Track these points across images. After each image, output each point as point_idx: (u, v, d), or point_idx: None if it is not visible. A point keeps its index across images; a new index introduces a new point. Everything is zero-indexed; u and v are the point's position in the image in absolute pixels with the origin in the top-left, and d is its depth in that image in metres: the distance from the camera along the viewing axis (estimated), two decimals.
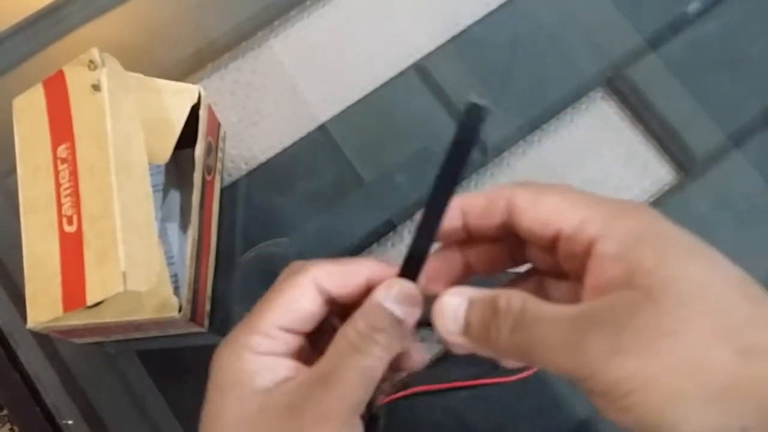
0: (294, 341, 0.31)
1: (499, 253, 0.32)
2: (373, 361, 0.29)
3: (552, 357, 0.26)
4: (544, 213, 0.28)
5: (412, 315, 0.29)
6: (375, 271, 0.31)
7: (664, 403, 0.24)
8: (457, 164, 0.29)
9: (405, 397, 0.45)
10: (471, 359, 0.32)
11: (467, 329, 0.28)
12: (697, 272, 0.25)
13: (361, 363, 0.28)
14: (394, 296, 0.29)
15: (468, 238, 0.32)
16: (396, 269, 0.31)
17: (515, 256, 0.33)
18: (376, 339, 0.29)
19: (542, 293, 0.32)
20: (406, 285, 0.30)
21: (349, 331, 0.29)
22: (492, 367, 0.45)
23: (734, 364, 0.24)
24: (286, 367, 0.30)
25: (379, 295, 0.29)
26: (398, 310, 0.29)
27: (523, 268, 0.34)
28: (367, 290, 0.30)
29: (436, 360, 0.47)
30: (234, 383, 0.29)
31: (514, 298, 0.27)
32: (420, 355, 0.32)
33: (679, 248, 0.26)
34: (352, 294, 0.31)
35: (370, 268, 0.31)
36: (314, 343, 0.32)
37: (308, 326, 0.31)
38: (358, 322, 0.29)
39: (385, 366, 0.29)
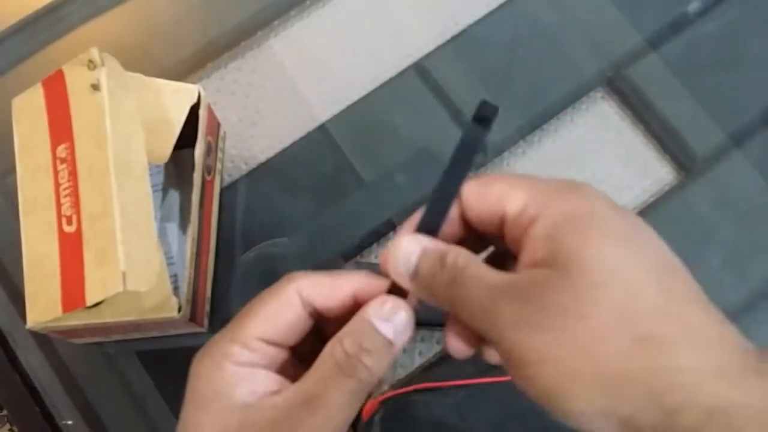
0: (276, 354, 0.30)
1: (467, 245, 0.32)
2: (360, 384, 0.28)
3: (472, 316, 0.27)
4: (489, 200, 0.29)
5: (403, 337, 0.29)
6: (363, 285, 0.30)
7: (559, 380, 0.25)
8: (462, 168, 0.29)
9: (404, 395, 0.45)
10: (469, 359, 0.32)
11: (415, 275, 0.29)
12: (615, 257, 0.25)
13: (347, 386, 0.28)
14: (386, 315, 0.29)
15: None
16: (386, 283, 0.30)
17: (484, 244, 0.32)
18: (364, 361, 0.28)
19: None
20: (399, 304, 0.29)
21: (336, 350, 0.28)
22: (491, 366, 0.45)
23: (630, 352, 0.24)
24: (268, 379, 0.29)
25: (370, 312, 0.29)
26: (389, 331, 0.28)
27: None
28: (354, 305, 0.30)
29: (437, 360, 0.47)
30: (213, 395, 0.29)
31: (460, 257, 0.28)
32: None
33: (605, 231, 0.26)
34: (338, 307, 0.30)
35: (358, 282, 0.30)
36: (299, 356, 0.31)
37: (291, 339, 0.30)
38: (345, 341, 0.28)
39: (370, 389, 0.29)
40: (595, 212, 0.27)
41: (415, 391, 0.46)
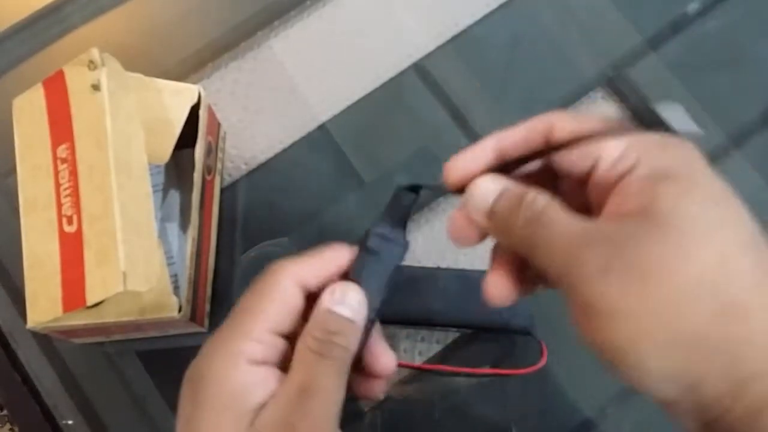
0: (281, 343, 0.31)
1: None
2: (340, 362, 0.30)
3: (550, 258, 0.27)
4: (584, 141, 0.28)
5: (360, 312, 0.31)
6: (344, 257, 0.32)
7: (637, 335, 0.24)
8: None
9: (405, 393, 0.46)
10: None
11: (491, 213, 0.29)
12: (713, 219, 0.25)
13: (330, 367, 0.30)
14: (338, 299, 0.31)
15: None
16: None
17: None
18: (335, 341, 0.30)
19: None
20: (347, 286, 0.31)
21: (309, 342, 0.30)
22: (498, 360, 0.45)
23: (714, 317, 0.24)
24: (278, 379, 0.30)
25: (325, 301, 0.31)
26: (346, 311, 0.31)
27: None
28: (339, 276, 0.32)
29: (437, 360, 0.47)
30: (230, 397, 0.29)
31: (540, 197, 0.28)
32: (387, 357, 0.33)
33: (705, 192, 0.26)
34: (327, 282, 0.32)
35: (339, 256, 0.32)
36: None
37: (293, 326, 0.32)
38: (314, 332, 0.30)
39: (350, 362, 0.31)
40: (696, 171, 0.27)
41: (424, 371, 0.46)
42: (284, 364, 0.31)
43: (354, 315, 0.31)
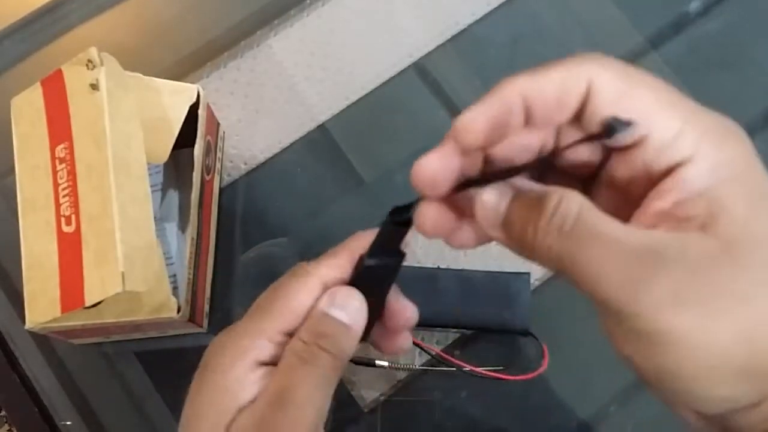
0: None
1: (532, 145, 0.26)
2: (324, 369, 0.28)
3: (601, 282, 0.22)
4: (632, 112, 0.23)
5: (358, 319, 0.29)
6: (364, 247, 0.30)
7: (703, 368, 0.22)
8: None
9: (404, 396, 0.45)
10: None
11: (506, 225, 0.24)
12: None
13: (311, 376, 0.28)
14: (338, 303, 0.29)
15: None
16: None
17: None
18: (323, 346, 0.28)
19: None
20: (348, 291, 0.29)
21: (294, 344, 0.29)
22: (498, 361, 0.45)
23: None
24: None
25: (322, 304, 0.29)
26: (342, 315, 0.29)
27: None
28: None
29: (437, 361, 0.47)
30: (221, 392, 0.28)
31: (568, 201, 0.23)
32: (410, 310, 0.31)
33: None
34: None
35: (359, 247, 0.30)
36: None
37: None
38: (302, 334, 0.29)
39: (339, 373, 0.29)
40: (758, 175, 0.23)
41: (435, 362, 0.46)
42: None
43: (351, 320, 0.29)
